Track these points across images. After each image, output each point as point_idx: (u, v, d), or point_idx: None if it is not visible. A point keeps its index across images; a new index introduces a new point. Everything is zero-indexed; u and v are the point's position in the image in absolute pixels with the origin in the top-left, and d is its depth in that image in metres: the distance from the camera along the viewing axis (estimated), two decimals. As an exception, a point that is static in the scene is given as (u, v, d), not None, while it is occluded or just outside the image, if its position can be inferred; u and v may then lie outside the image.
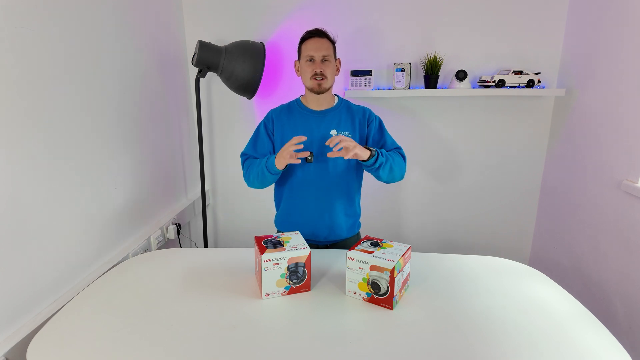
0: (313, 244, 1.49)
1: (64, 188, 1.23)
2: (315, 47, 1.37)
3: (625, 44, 1.57)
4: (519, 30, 1.96)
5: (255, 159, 1.42)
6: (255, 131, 1.50)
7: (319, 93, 1.41)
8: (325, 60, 1.38)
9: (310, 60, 1.38)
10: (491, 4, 1.95)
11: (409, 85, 2.00)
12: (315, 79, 1.38)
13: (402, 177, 1.42)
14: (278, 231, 1.57)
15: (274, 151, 1.47)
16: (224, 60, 1.87)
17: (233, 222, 2.40)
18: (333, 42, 1.42)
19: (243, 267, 1.29)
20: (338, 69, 1.46)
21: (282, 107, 1.51)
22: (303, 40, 1.41)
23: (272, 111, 1.50)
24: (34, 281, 1.12)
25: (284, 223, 1.53)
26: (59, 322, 1.02)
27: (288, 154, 1.27)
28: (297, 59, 1.47)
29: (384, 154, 1.35)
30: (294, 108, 1.48)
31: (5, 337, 1.03)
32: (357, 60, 2.06)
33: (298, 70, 1.46)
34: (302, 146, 1.27)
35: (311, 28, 1.43)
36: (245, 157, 1.48)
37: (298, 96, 1.53)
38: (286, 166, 1.35)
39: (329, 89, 1.43)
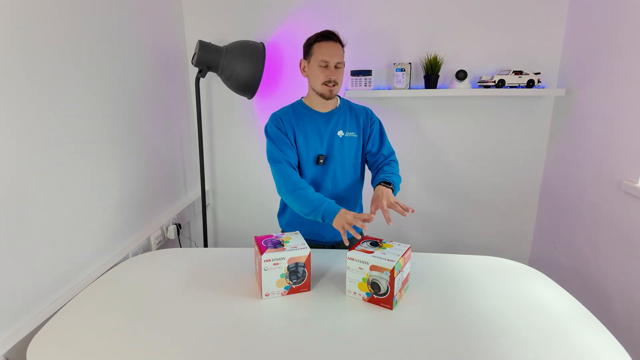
0: (319, 244, 1.49)
1: (64, 188, 1.23)
2: (330, 53, 1.31)
3: (625, 44, 1.57)
4: (519, 31, 1.96)
5: (304, 189, 1.29)
6: (269, 136, 1.39)
7: (328, 98, 1.37)
8: (338, 67, 1.33)
9: (324, 65, 1.32)
10: (491, 4, 1.95)
11: (409, 85, 2.00)
12: (327, 85, 1.33)
13: None
14: (282, 231, 1.56)
15: (297, 147, 1.39)
16: (224, 60, 1.87)
17: (233, 222, 2.40)
18: (344, 47, 1.37)
19: (243, 267, 1.29)
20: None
21: (286, 108, 1.44)
22: (316, 41, 1.34)
23: (279, 112, 1.42)
24: (34, 281, 1.12)
25: (291, 223, 1.50)
26: (59, 322, 1.01)
27: (349, 225, 1.16)
28: (303, 57, 1.39)
29: (396, 183, 1.33)
30: (299, 110, 1.42)
31: (5, 337, 1.03)
32: (357, 60, 2.06)
33: (304, 70, 1.39)
34: (366, 227, 1.15)
35: (316, 28, 1.37)
36: (279, 163, 1.35)
37: (300, 98, 1.47)
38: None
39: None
